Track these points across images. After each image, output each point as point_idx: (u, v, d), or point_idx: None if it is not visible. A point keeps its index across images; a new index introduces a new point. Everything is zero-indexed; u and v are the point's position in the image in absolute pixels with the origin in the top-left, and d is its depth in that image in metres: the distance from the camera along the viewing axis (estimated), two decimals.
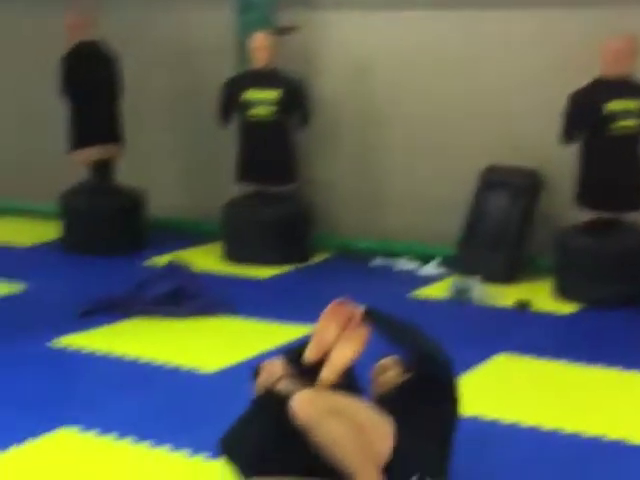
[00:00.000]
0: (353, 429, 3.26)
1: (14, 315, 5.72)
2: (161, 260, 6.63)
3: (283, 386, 3.50)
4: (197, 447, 4.01)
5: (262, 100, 6.72)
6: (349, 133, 7.11)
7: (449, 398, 3.45)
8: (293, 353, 3.66)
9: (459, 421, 3.41)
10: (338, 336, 3.49)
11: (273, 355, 4.93)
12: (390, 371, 3.67)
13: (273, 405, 3.44)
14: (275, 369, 3.59)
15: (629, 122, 5.88)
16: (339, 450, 3.24)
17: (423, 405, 3.41)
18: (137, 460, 3.96)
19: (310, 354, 3.53)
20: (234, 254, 6.82)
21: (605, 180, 5.95)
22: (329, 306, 3.55)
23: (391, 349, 3.54)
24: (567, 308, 5.86)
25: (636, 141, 5.96)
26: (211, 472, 3.83)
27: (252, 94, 6.73)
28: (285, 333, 5.32)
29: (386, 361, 3.72)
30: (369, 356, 3.60)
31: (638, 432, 4.17)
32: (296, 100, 6.77)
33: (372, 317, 3.52)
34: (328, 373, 3.43)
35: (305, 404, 3.28)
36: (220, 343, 5.32)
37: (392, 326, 3.55)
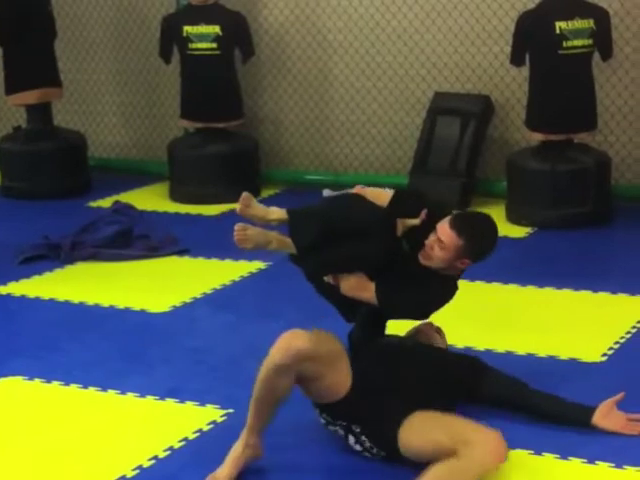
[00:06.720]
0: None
1: None
2: (105, 202, 6.49)
3: None
4: (145, 390, 3.92)
5: (203, 35, 6.55)
6: (295, 65, 6.97)
7: None
8: None
9: None
10: None
11: (229, 290, 4.90)
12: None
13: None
14: None
15: (580, 42, 5.79)
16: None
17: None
18: (84, 406, 3.87)
19: None
20: (181, 193, 6.69)
21: (556, 102, 5.87)
22: None
23: None
24: (519, 232, 5.81)
25: (587, 61, 5.87)
26: (160, 413, 3.76)
27: (192, 29, 6.56)
28: (236, 270, 5.25)
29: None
30: None
31: (589, 351, 4.16)
32: (237, 34, 6.61)
33: None
34: None
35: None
36: (170, 283, 5.21)
37: None
